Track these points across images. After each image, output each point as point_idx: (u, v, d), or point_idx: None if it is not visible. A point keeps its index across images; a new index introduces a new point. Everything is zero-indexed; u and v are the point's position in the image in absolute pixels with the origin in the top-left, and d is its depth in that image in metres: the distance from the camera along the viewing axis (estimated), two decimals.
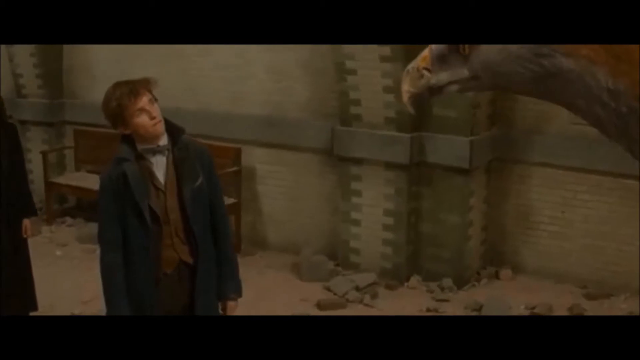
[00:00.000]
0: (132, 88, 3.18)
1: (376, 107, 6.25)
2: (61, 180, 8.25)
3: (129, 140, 3.27)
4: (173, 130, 3.30)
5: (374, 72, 6.09)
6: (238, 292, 3.49)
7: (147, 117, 3.17)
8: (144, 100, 3.17)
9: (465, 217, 6.30)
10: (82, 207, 8.43)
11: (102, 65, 8.15)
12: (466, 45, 1.93)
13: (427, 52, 2.02)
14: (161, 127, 3.23)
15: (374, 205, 6.49)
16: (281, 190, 7.29)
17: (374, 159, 6.38)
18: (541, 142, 6.27)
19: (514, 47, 1.84)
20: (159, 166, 3.28)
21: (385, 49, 5.91)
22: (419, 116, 6.12)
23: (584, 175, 6.11)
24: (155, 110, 3.20)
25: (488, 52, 1.90)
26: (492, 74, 1.93)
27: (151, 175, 3.27)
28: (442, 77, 2.01)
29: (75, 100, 8.54)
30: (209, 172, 3.38)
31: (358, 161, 6.49)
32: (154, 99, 3.22)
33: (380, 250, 6.52)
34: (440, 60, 1.99)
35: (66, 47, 8.48)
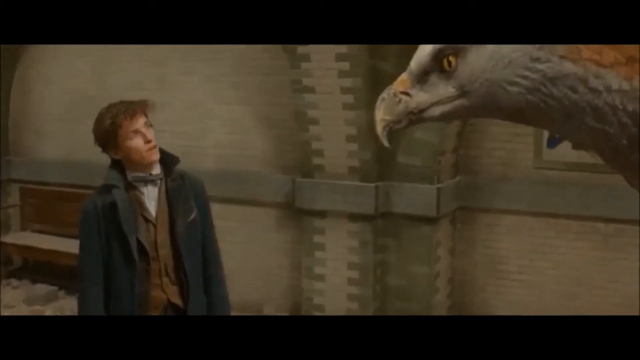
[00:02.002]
0: (128, 107, 2.93)
1: (339, 156, 6.11)
2: (7, 239, 7.90)
3: (119, 166, 2.98)
4: (167, 159, 3.04)
5: (336, 121, 5.97)
6: None
7: (142, 141, 2.91)
8: (140, 122, 2.92)
9: (432, 269, 6.13)
10: (28, 268, 8.05)
11: (49, 122, 7.87)
12: (451, 59, 1.74)
13: (406, 75, 1.82)
14: (156, 153, 2.97)
15: (338, 259, 6.28)
16: (239, 247, 7.02)
17: (338, 210, 6.20)
18: (506, 188, 6.19)
19: (506, 51, 1.68)
20: (151, 197, 3.00)
21: (349, 97, 5.80)
22: (384, 165, 5.99)
23: (552, 220, 6.04)
24: (151, 134, 2.95)
25: (477, 59, 1.72)
26: (481, 85, 1.75)
27: (141, 206, 2.97)
28: (423, 98, 1.80)
29: (22, 158, 8.22)
30: (203, 207, 3.11)
31: (321, 213, 6.29)
32: (150, 124, 2.98)
33: (346, 306, 6.27)
34: (421, 81, 1.80)
35: (13, 104, 8.20)
